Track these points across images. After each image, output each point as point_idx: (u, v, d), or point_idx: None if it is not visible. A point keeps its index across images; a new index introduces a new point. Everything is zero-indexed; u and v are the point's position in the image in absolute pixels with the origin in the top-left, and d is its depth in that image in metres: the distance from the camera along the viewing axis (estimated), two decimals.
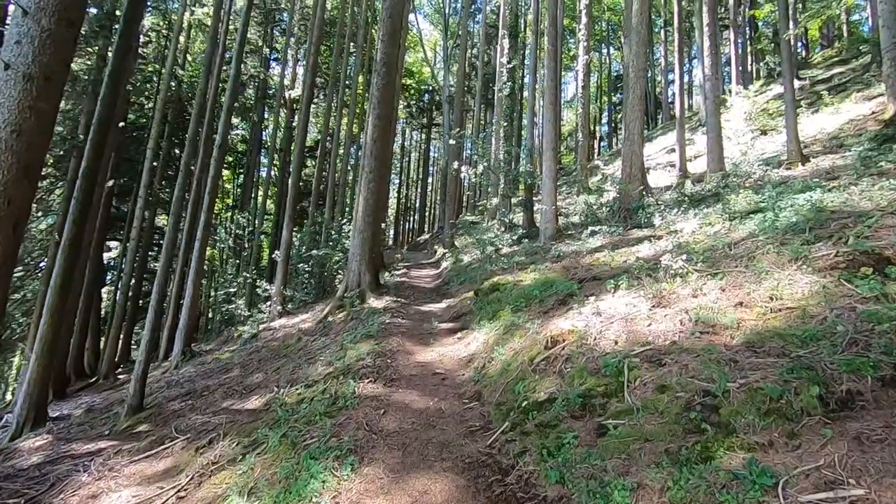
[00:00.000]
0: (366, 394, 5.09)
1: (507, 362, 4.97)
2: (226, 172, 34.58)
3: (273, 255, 15.34)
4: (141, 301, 24.41)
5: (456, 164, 13.19)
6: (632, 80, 10.37)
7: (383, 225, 18.31)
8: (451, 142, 14.33)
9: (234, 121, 28.95)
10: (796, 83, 18.03)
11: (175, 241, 10.17)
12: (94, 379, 15.62)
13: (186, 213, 14.81)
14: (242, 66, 22.73)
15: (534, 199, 13.30)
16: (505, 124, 12.93)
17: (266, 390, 6.71)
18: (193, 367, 10.72)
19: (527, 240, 11.11)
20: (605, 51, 36.53)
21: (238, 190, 29.91)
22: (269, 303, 13.85)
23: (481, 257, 11.20)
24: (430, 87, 36.70)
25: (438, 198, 34.16)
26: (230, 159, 30.02)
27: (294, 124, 26.19)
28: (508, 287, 7.88)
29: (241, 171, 28.86)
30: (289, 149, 22.31)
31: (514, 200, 13.58)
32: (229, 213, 27.45)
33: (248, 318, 13.27)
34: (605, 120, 37.49)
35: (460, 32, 27.46)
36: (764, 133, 14.36)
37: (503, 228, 12.46)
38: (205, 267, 27.48)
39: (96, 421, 8.37)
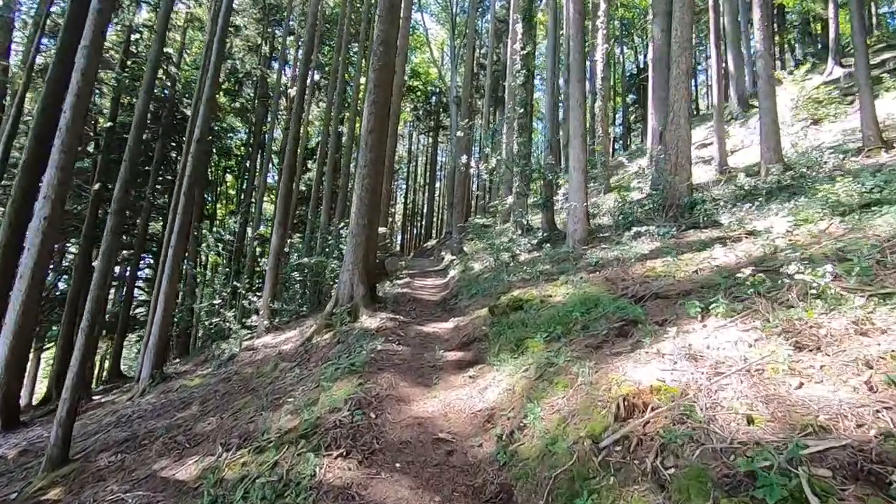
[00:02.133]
0: (330, 480, 3.24)
1: (550, 436, 3.07)
2: (229, 178, 33.07)
3: (261, 263, 13.64)
4: (134, 310, 22.83)
5: (464, 158, 11.38)
6: (675, 52, 8.48)
7: (388, 230, 16.51)
8: (459, 133, 12.50)
9: (238, 124, 27.40)
10: (841, 70, 16.03)
11: (114, 246, 8.42)
12: None
13: (171, 216, 13.14)
14: (239, 63, 21.17)
15: (554, 197, 11.42)
16: (521, 110, 11.11)
17: (211, 447, 4.86)
18: (156, 397, 8.94)
19: (548, 244, 9.24)
20: (618, 50, 34.62)
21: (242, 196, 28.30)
22: (254, 317, 12.07)
23: (495, 265, 9.34)
24: (438, 89, 34.99)
25: (446, 202, 32.35)
26: (231, 163, 28.50)
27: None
28: (534, 304, 6.00)
29: (246, 175, 27.27)
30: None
31: (530, 200, 11.71)
32: (231, 220, 25.89)
33: (232, 334, 11.49)
34: (618, 121, 35.51)
35: (468, 32, 25.79)
36: (815, 122, 12.38)
37: (519, 231, 10.58)
38: (206, 277, 25.85)
39: (20, 471, 6.58)
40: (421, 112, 37.60)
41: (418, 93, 35.59)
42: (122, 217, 9.18)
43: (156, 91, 21.93)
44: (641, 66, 38.56)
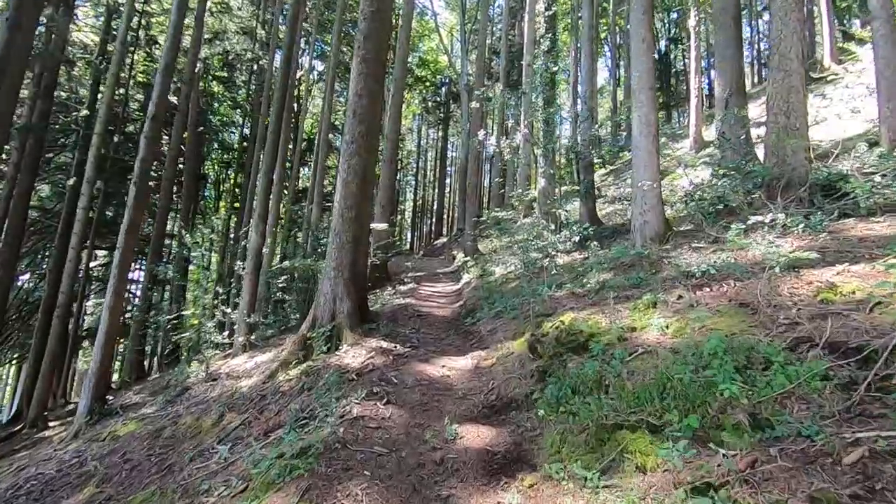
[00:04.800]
0: None
1: None
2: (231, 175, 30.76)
3: (235, 268, 11.35)
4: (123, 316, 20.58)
5: (481, 135, 8.91)
6: None
7: (390, 225, 14.02)
8: (474, 104, 10.09)
9: (238, 117, 25.04)
10: None
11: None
12: (19, 427, 11.73)
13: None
14: (228, 45, 18.85)
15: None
16: (554, 67, 8.59)
17: None
18: (78, 447, 6.61)
19: (595, 243, 6.74)
20: None
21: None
22: (225, 332, 9.74)
23: (524, 269, 6.84)
24: (447, 78, 32.36)
25: (457, 198, 29.85)
26: (228, 158, 26.27)
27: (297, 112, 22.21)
28: (608, 343, 3.49)
29: (241, 170, 25.01)
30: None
31: (563, 188, 9.16)
32: (215, 217, 23.79)
33: (196, 357, 9.16)
34: None
35: (479, 16, 23.29)
36: None
37: (552, 226, 8.08)
38: (203, 282, 23.59)
39: None
40: (430, 104, 35.03)
41: (427, 83, 33.00)
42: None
43: (141, 78, 19.77)
44: (663, 50, 35.64)
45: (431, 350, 5.51)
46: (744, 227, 4.47)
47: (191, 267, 21.57)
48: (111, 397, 10.00)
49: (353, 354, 5.42)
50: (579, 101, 10.08)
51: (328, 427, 3.54)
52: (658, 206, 5.54)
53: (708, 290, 3.77)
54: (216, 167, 28.49)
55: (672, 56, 32.93)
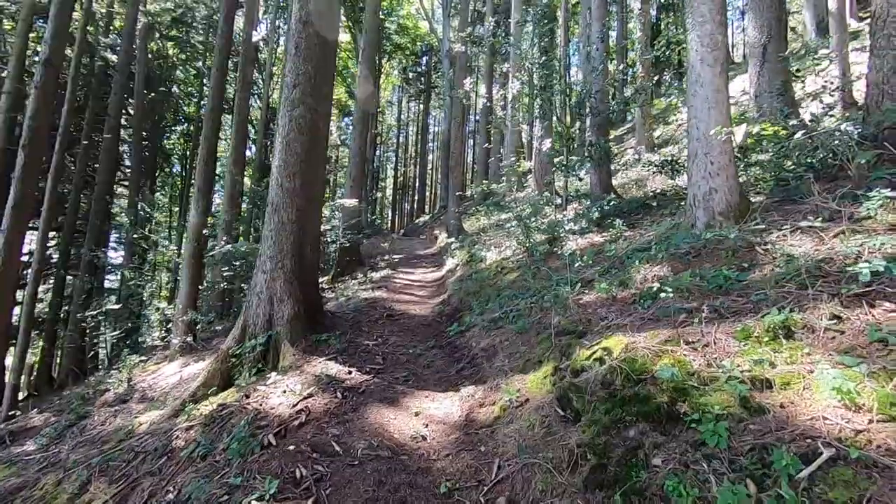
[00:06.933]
0: None
1: None
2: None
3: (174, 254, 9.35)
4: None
5: (468, 84, 7.00)
6: None
7: (371, 204, 12.04)
8: (460, 47, 8.18)
9: (200, 87, 22.32)
10: None
11: None
12: None
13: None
14: None
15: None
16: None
17: None
18: None
19: (619, 220, 5.01)
20: None
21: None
22: (158, 331, 7.84)
23: (525, 256, 5.08)
24: (429, 46, 29.83)
25: (440, 174, 27.72)
26: (194, 130, 23.59)
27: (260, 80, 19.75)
28: (730, 420, 1.75)
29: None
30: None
31: (569, 156, 7.33)
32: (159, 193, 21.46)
33: (120, 364, 7.27)
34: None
35: None
36: None
37: (558, 199, 6.30)
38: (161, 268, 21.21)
39: None
40: (410, 74, 32.48)
41: (406, 51, 30.41)
42: None
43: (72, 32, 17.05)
44: (654, 20, 33.55)
45: (401, 377, 3.74)
46: (892, 194, 2.77)
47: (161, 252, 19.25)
48: (18, 412, 8.11)
49: (284, 388, 3.62)
50: (582, 43, 8.15)
51: None
52: (731, 166, 3.78)
53: (890, 305, 2.05)
54: (183, 141, 25.70)
55: (663, 24, 30.88)
